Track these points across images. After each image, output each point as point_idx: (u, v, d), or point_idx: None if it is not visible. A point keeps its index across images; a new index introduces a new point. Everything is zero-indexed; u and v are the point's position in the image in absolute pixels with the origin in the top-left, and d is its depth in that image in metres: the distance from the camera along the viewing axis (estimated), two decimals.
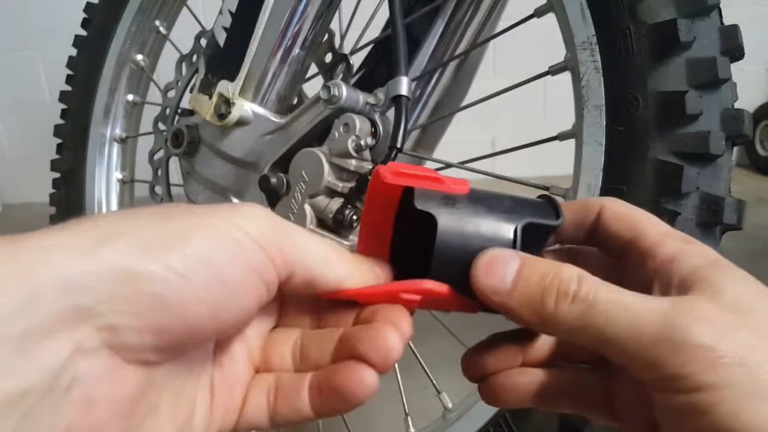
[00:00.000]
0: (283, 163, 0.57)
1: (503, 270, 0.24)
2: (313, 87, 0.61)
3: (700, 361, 0.20)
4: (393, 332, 0.24)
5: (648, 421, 0.24)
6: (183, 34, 0.82)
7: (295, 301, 0.29)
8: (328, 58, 0.62)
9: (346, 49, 0.62)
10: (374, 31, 0.68)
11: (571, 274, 0.23)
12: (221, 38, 0.58)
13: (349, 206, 0.52)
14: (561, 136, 0.50)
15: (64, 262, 0.19)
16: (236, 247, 0.22)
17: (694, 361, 0.20)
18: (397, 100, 0.51)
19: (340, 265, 0.25)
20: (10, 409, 0.18)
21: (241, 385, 0.27)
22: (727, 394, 0.20)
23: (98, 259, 0.19)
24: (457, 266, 0.25)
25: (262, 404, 0.26)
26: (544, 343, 0.29)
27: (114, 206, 0.84)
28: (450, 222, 0.25)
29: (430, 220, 0.25)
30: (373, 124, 0.53)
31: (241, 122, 0.57)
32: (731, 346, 0.20)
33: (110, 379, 0.21)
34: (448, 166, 0.59)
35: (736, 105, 0.45)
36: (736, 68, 0.44)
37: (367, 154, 0.53)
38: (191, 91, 0.62)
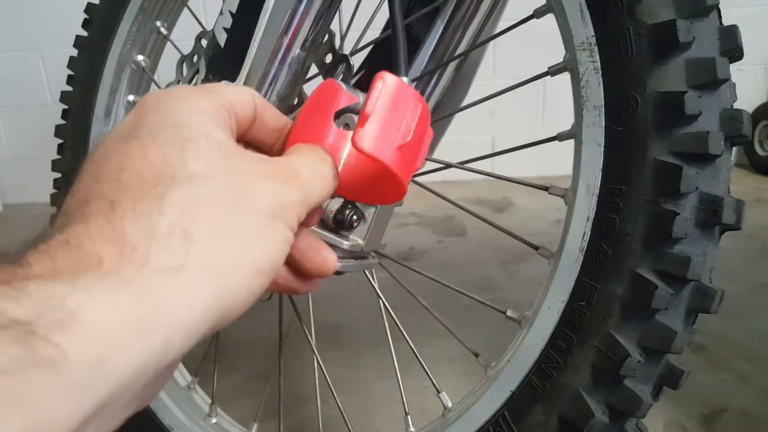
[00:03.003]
0: None
1: None
2: (313, 87, 0.62)
3: None
4: (331, 254, 0.31)
5: None
6: (184, 34, 0.82)
7: None
8: (329, 58, 0.62)
9: (347, 50, 0.62)
10: (374, 32, 0.68)
11: None
12: (222, 39, 0.58)
13: (349, 206, 0.52)
14: (560, 137, 0.51)
15: (185, 313, 0.21)
16: (289, 247, 0.26)
17: None
18: None
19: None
20: (108, 425, 0.20)
21: None
22: None
23: (208, 300, 0.22)
24: None
25: None
26: None
27: None
28: None
29: None
30: None
31: None
32: None
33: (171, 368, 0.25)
34: (448, 166, 0.59)
35: (735, 105, 0.45)
36: (735, 68, 0.44)
37: None
38: None
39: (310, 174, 0.28)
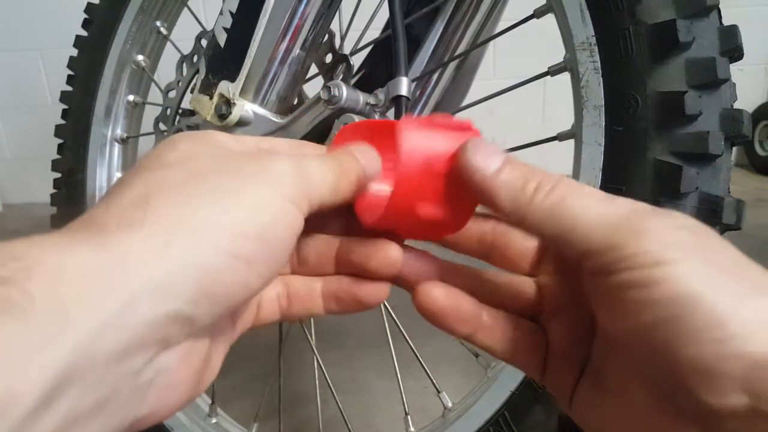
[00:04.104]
0: None
1: (492, 154, 0.25)
2: (313, 87, 0.62)
3: (661, 242, 0.21)
4: (392, 246, 0.28)
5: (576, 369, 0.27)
6: (184, 34, 0.82)
7: None
8: (329, 58, 0.62)
9: (347, 50, 0.62)
10: (374, 32, 0.68)
11: (552, 175, 0.25)
12: (222, 39, 0.58)
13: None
14: (560, 137, 0.51)
15: (149, 269, 0.19)
16: (284, 217, 0.23)
17: (656, 242, 0.21)
18: (397, 100, 0.51)
19: (338, 180, 0.26)
20: (91, 414, 0.18)
21: (255, 299, 0.30)
22: (684, 265, 0.20)
23: (177, 258, 0.20)
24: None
25: (274, 307, 0.30)
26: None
27: None
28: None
29: None
30: None
31: (241, 123, 0.58)
32: (687, 234, 0.22)
33: (188, 360, 0.23)
34: None
35: (735, 105, 0.45)
36: (735, 68, 0.44)
37: None
38: (192, 92, 0.62)
39: (313, 162, 0.26)
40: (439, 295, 0.28)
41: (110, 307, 0.18)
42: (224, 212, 0.21)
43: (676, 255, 0.21)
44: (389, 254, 0.28)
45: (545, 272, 0.29)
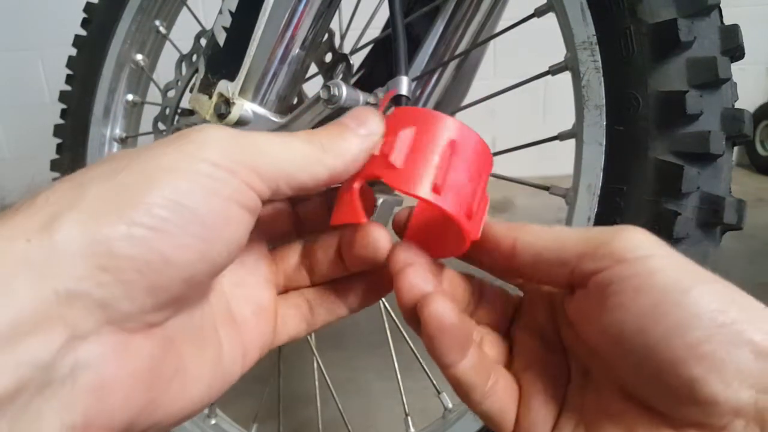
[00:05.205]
0: None
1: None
2: (313, 87, 0.61)
3: (643, 239, 0.23)
4: (378, 230, 0.27)
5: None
6: (183, 33, 0.82)
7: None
8: (328, 57, 0.62)
9: (346, 49, 0.62)
10: (374, 31, 0.68)
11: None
12: (221, 38, 0.58)
13: None
14: (561, 136, 0.50)
15: (26, 248, 0.18)
16: (205, 181, 0.21)
17: (639, 239, 0.23)
18: (397, 99, 0.51)
19: (317, 152, 0.24)
20: None
21: (266, 307, 0.29)
22: (671, 259, 0.22)
23: (59, 234, 0.18)
24: None
25: (297, 318, 0.30)
26: None
27: None
28: None
29: None
30: None
31: (241, 122, 0.57)
32: (656, 239, 0.23)
33: (120, 356, 0.20)
34: None
35: (737, 105, 0.45)
36: (736, 68, 0.44)
37: None
38: (191, 91, 0.62)
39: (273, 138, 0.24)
40: (447, 307, 0.24)
41: None
42: (121, 184, 0.19)
43: (660, 251, 0.22)
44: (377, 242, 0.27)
45: (516, 330, 0.30)
